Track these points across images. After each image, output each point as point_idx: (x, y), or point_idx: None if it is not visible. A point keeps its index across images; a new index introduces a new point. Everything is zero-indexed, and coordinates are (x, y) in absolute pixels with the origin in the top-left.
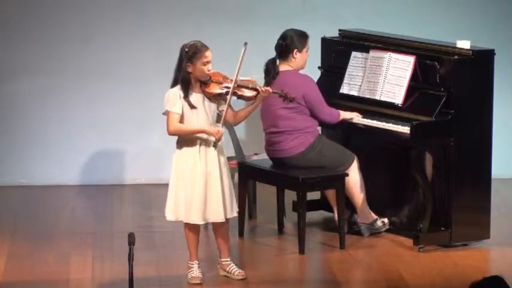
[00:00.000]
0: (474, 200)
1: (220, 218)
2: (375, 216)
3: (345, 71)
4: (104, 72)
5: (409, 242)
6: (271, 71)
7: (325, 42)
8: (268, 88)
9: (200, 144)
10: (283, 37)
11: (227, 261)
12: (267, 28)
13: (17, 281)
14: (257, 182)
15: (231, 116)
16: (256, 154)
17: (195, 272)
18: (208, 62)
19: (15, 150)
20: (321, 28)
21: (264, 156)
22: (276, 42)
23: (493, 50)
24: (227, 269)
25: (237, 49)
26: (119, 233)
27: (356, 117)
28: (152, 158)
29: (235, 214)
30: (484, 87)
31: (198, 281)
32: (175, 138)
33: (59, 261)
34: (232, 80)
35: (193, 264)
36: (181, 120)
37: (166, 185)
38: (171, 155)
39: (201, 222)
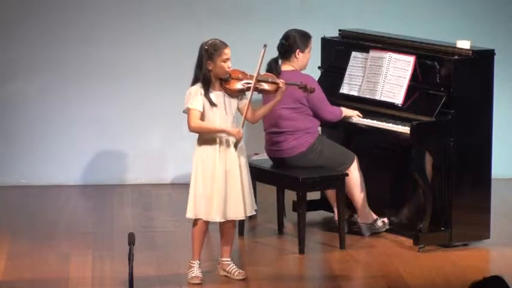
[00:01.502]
0: (474, 200)
1: (240, 216)
2: (375, 216)
3: (345, 71)
4: (104, 72)
5: (409, 242)
6: (273, 71)
7: (325, 42)
8: (283, 81)
9: (220, 143)
10: (286, 37)
11: (227, 261)
12: (266, 28)
13: (17, 280)
14: (257, 182)
15: (250, 114)
16: (256, 154)
17: (196, 271)
18: (228, 59)
19: (15, 150)
20: (321, 28)
21: (264, 156)
22: (275, 42)
23: (493, 50)
24: (227, 269)
25: (236, 49)
26: (119, 233)
27: (356, 116)
28: (152, 158)
29: (254, 212)
30: (484, 87)
31: (198, 281)
32: (176, 138)
33: (59, 261)
34: (251, 76)
35: (194, 263)
36: (201, 118)
37: (167, 185)
38: (171, 154)
39: (221, 219)
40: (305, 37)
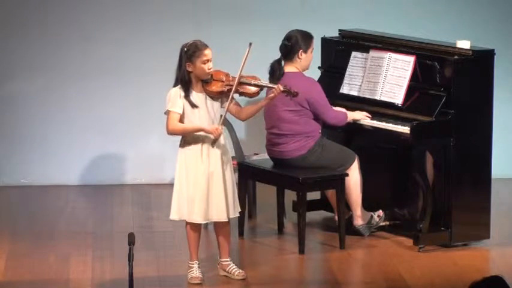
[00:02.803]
0: (474, 200)
1: (222, 218)
2: (370, 213)
3: (345, 71)
4: (104, 72)
5: (409, 242)
6: (276, 72)
7: (325, 42)
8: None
9: (203, 144)
10: (288, 38)
11: (227, 261)
12: (266, 28)
13: (17, 281)
14: (257, 182)
15: (236, 112)
16: (256, 154)
17: (195, 272)
18: (208, 61)
19: (15, 150)
20: (321, 28)
21: (264, 156)
22: (276, 42)
23: (493, 50)
24: (227, 269)
25: (236, 49)
26: (119, 233)
27: (365, 117)
28: (152, 158)
29: (238, 214)
30: (484, 87)
31: (198, 281)
32: (176, 138)
33: (59, 261)
34: (234, 78)
35: (193, 264)
36: (182, 120)
37: (167, 185)
38: (171, 155)
39: (203, 221)
40: (307, 37)
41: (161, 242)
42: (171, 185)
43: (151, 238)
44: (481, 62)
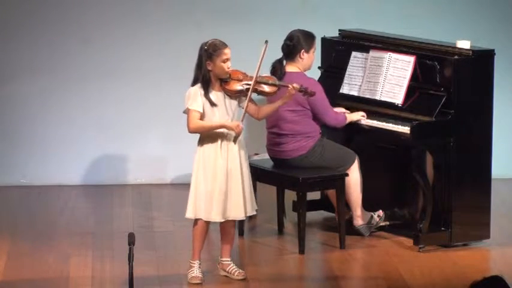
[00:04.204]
0: (474, 200)
1: (240, 216)
2: (370, 213)
3: (345, 71)
4: (104, 72)
5: (409, 242)
6: (277, 72)
7: (325, 42)
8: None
9: (221, 141)
10: (290, 38)
11: (227, 261)
12: (266, 28)
13: (17, 280)
14: (257, 182)
15: (254, 111)
16: (256, 154)
17: (196, 271)
18: (227, 60)
19: (15, 150)
20: (321, 28)
21: (264, 156)
22: (276, 42)
23: (493, 50)
24: (227, 269)
25: (236, 49)
26: (119, 233)
27: (362, 117)
28: (152, 158)
29: (255, 212)
30: (484, 87)
31: (198, 281)
32: (176, 138)
33: (59, 261)
34: (251, 77)
35: (194, 263)
36: (202, 118)
37: (167, 185)
38: (171, 154)
39: (221, 219)
40: (309, 37)
41: (161, 242)
42: (171, 185)
43: (151, 238)
44: (481, 62)
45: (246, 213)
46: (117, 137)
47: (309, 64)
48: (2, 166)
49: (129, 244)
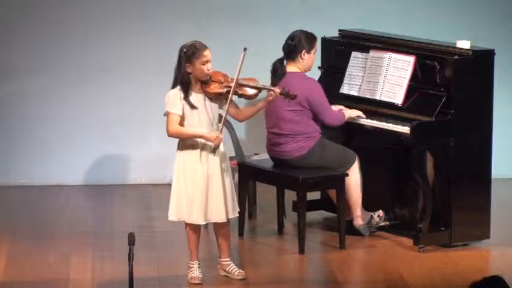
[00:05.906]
0: (474, 200)
1: (221, 218)
2: (370, 213)
3: (345, 71)
4: (104, 72)
5: (409, 242)
6: (278, 71)
7: (325, 42)
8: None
9: (202, 150)
10: (292, 37)
11: (227, 261)
12: (266, 29)
13: (17, 281)
14: (257, 182)
15: (235, 114)
16: (256, 154)
17: (195, 272)
18: (207, 62)
19: (15, 150)
20: (321, 28)
21: (264, 156)
22: (276, 42)
23: (493, 50)
24: (227, 269)
25: (236, 49)
26: (119, 233)
27: (359, 116)
28: (152, 158)
29: (237, 214)
30: (484, 87)
31: (198, 281)
32: (175, 138)
33: (59, 261)
34: (232, 79)
35: (193, 264)
36: (182, 121)
37: (167, 185)
38: (171, 154)
39: (202, 222)
40: (311, 38)
41: (161, 242)
42: (171, 185)
43: (151, 238)
44: (481, 62)
45: (227, 215)
46: (117, 137)
47: (310, 65)
48: (2, 166)
49: (129, 244)
